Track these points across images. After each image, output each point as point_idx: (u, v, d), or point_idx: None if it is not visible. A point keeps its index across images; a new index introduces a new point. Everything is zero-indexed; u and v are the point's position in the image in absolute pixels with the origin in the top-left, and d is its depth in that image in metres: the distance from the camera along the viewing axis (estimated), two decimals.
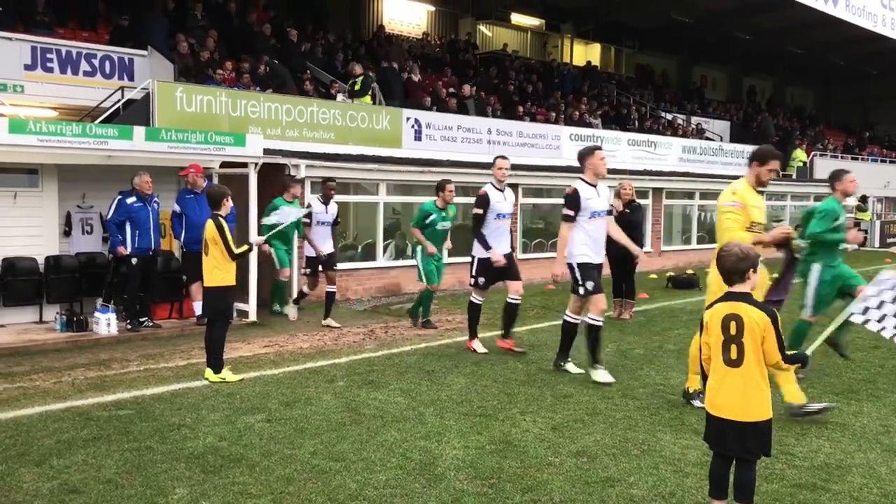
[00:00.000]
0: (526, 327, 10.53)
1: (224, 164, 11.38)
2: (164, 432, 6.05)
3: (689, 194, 20.99)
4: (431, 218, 10.30)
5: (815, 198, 25.40)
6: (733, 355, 4.09)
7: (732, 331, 4.09)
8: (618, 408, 6.88)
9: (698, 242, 21.13)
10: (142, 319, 10.41)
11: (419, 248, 10.50)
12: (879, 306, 5.12)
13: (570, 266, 7.88)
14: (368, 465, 5.38)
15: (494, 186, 8.97)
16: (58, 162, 10.28)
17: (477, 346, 9.22)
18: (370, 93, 16.26)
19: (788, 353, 4.20)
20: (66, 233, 11.00)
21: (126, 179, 10.44)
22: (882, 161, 33.10)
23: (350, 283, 13.70)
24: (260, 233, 10.22)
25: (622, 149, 20.24)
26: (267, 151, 11.73)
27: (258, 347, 9.47)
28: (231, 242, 7.60)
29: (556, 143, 18.77)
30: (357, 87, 16.01)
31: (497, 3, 27.25)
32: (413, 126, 15.87)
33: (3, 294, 10.23)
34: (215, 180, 11.32)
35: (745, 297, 4.14)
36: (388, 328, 10.86)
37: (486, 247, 8.90)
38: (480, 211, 8.90)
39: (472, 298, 9.25)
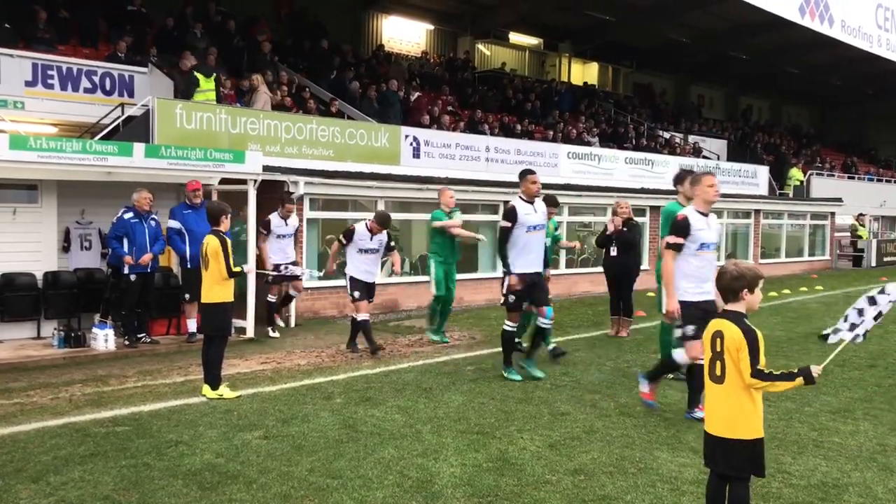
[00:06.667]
0: (526, 344, 10.49)
1: (223, 181, 11.42)
2: (162, 449, 6.04)
3: None
4: None
5: (811, 216, 25.50)
6: (718, 371, 4.14)
7: (718, 347, 4.15)
8: (615, 426, 6.89)
9: None
10: (139, 335, 10.41)
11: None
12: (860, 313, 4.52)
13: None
14: (366, 482, 5.38)
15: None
16: (58, 178, 10.31)
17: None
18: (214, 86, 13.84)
19: None
20: (65, 248, 11.00)
21: (126, 196, 10.46)
22: (878, 180, 33.24)
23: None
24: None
25: (619, 167, 20.34)
26: (266, 168, 11.76)
27: (255, 364, 9.47)
28: (231, 261, 7.64)
29: (554, 161, 18.86)
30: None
31: (496, 22, 27.46)
32: (411, 143, 15.95)
33: (1, 309, 10.21)
34: (214, 197, 11.35)
35: (732, 315, 4.18)
36: (385, 345, 10.85)
37: None
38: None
39: None
